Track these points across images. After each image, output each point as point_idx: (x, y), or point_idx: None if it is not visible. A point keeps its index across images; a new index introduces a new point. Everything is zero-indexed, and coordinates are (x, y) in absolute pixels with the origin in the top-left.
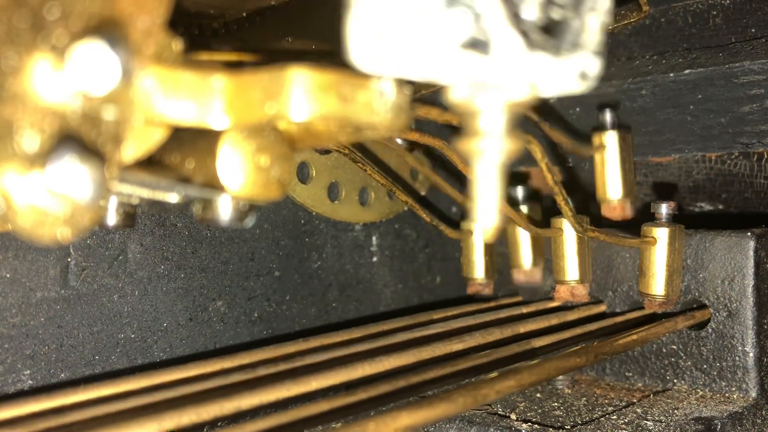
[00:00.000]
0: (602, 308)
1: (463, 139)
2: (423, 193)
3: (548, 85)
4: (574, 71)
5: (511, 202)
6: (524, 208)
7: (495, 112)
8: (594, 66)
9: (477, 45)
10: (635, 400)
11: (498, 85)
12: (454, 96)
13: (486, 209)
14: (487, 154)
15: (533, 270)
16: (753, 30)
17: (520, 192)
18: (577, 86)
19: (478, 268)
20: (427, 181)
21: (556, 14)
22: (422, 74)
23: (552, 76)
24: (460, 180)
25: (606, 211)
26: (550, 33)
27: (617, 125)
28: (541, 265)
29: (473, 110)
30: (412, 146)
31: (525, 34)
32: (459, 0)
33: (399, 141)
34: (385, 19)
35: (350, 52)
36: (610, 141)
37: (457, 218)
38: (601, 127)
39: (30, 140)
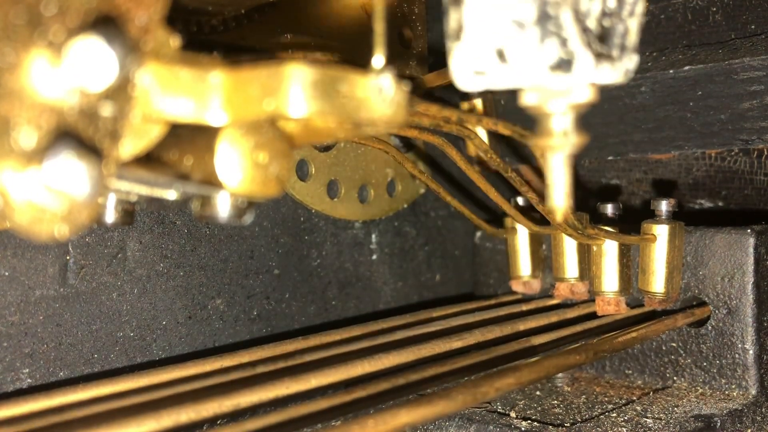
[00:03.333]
0: None
1: (538, 137)
2: (422, 191)
3: (602, 83)
4: (622, 71)
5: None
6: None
7: (563, 114)
8: (634, 62)
9: (562, 65)
10: (635, 398)
11: (565, 92)
12: (526, 101)
13: (559, 193)
14: (559, 149)
15: (532, 281)
16: (753, 26)
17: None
18: (620, 80)
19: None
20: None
21: (607, 22)
22: (513, 87)
23: (608, 79)
24: (452, 182)
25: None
26: (603, 40)
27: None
28: (540, 276)
29: (545, 113)
30: (408, 147)
31: (590, 46)
32: (550, 31)
33: (396, 141)
34: (488, 50)
35: (455, 77)
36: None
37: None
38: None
39: (27, 137)
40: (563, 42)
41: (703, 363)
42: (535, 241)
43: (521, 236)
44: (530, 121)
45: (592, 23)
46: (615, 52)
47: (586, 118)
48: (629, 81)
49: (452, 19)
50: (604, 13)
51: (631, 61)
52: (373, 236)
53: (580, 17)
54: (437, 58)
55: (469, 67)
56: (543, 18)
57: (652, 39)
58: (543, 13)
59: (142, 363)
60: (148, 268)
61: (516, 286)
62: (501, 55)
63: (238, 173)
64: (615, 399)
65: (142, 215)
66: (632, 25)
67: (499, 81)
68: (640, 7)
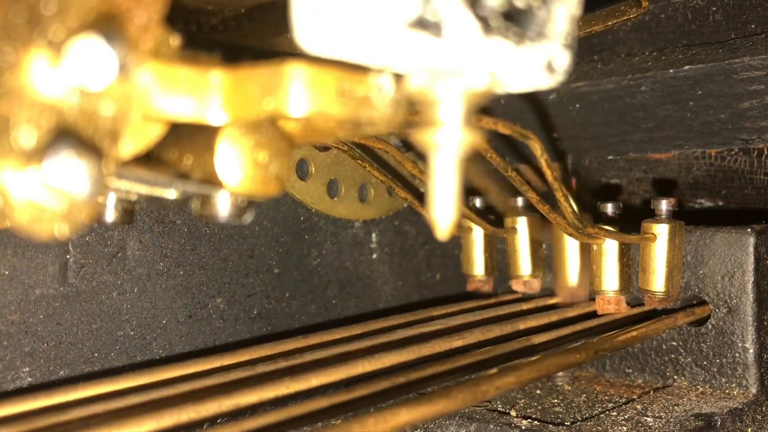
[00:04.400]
0: None
1: (419, 130)
2: (423, 190)
3: (511, 75)
4: (538, 62)
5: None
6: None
7: (453, 102)
8: (563, 58)
9: (427, 25)
10: (635, 397)
11: (456, 73)
12: (412, 83)
13: (443, 205)
14: (445, 146)
15: (532, 280)
16: (753, 26)
17: None
18: (544, 79)
19: (477, 265)
20: None
21: (519, 2)
22: (370, 57)
23: (513, 66)
24: None
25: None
26: (514, 21)
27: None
28: (540, 276)
29: (431, 99)
30: (408, 146)
31: (483, 19)
32: None
33: (396, 141)
34: None
35: (295, 32)
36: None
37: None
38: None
39: (27, 136)
40: None
41: (704, 362)
42: (535, 241)
43: (521, 236)
44: (531, 120)
45: None
46: (528, 35)
47: (587, 118)
48: (629, 81)
49: None
50: None
51: (556, 55)
52: (373, 236)
53: None
54: None
55: (308, 15)
56: None
57: (652, 38)
58: None
59: (143, 362)
60: (148, 267)
61: (516, 286)
62: None
63: (238, 172)
64: (615, 398)
65: (142, 214)
66: (558, 13)
67: (345, 36)
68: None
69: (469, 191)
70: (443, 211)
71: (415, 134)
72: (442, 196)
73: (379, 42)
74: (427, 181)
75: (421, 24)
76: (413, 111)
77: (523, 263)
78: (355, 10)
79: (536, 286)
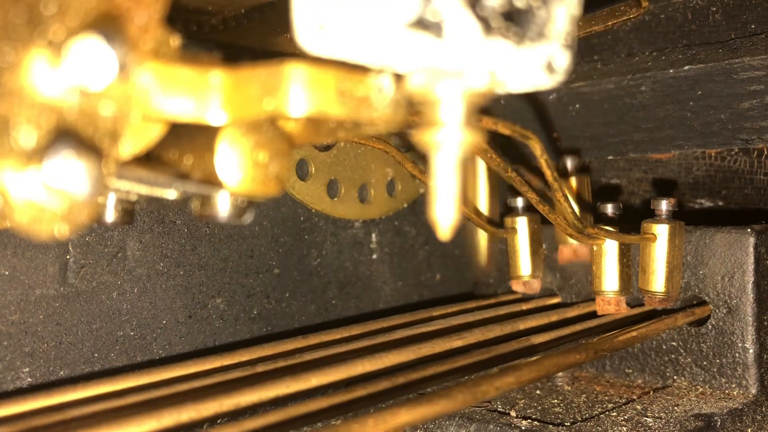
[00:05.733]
0: None
1: (420, 130)
2: (422, 191)
3: (511, 75)
4: (538, 62)
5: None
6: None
7: (454, 102)
8: (563, 59)
9: (427, 26)
10: (635, 397)
11: (457, 73)
12: (412, 83)
13: (444, 205)
14: (445, 146)
15: (532, 281)
16: (753, 26)
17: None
18: (544, 79)
19: (524, 265)
20: None
21: (519, 2)
22: (371, 57)
23: (514, 66)
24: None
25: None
26: (514, 21)
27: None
28: (540, 276)
29: (431, 99)
30: (408, 147)
31: (483, 19)
32: None
33: (396, 141)
34: None
35: (296, 32)
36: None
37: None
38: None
39: (27, 136)
40: None
41: (704, 362)
42: (536, 241)
43: (521, 236)
44: (531, 120)
45: None
46: (528, 35)
47: (587, 118)
48: (629, 81)
49: None
50: None
51: (556, 55)
52: (373, 236)
53: None
54: None
55: (311, 18)
56: None
57: (652, 38)
58: None
59: (143, 362)
60: (148, 267)
61: (516, 286)
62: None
63: (237, 172)
64: (615, 398)
65: (142, 215)
66: (558, 13)
67: (346, 38)
68: None
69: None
70: (444, 210)
71: (416, 134)
72: (443, 196)
73: (379, 43)
74: (428, 181)
75: (422, 24)
76: (413, 111)
77: (523, 263)
78: (356, 12)
79: (536, 286)
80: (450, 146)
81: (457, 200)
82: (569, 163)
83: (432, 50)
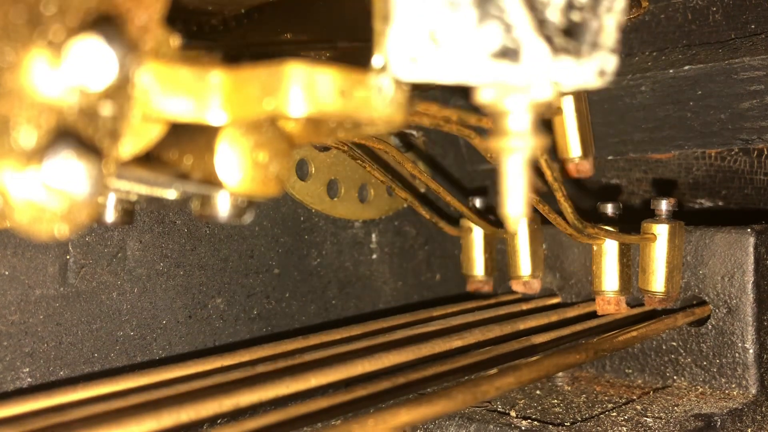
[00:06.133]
0: None
1: (493, 138)
2: (422, 190)
3: (570, 84)
4: (593, 70)
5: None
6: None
7: (521, 113)
8: (611, 63)
9: (507, 54)
10: (635, 397)
11: (524, 88)
12: (482, 98)
13: (515, 201)
14: (516, 151)
15: (532, 281)
16: (753, 26)
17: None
18: (595, 82)
19: (477, 266)
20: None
21: (576, 17)
22: (454, 81)
23: (574, 77)
24: (452, 182)
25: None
26: (571, 35)
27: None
28: (540, 276)
29: (501, 111)
30: (408, 147)
31: (549, 39)
32: (490, 14)
33: (396, 141)
34: (421, 34)
35: (390, 63)
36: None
37: (457, 215)
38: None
39: (27, 136)
40: (507, 28)
41: (703, 362)
42: (536, 241)
43: (521, 236)
44: None
45: (554, 15)
46: (585, 48)
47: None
48: (629, 81)
49: None
50: (572, 6)
51: (606, 61)
52: (373, 236)
53: (534, 5)
54: None
55: (404, 53)
56: None
57: (652, 38)
58: None
59: (143, 362)
60: (148, 267)
61: (516, 286)
62: (433, 37)
63: (237, 173)
64: (615, 398)
65: (142, 215)
66: (608, 23)
67: (435, 68)
68: (620, 4)
69: (468, 192)
70: (515, 205)
71: (489, 142)
72: (513, 194)
73: (464, 72)
74: (500, 181)
75: (503, 53)
76: (414, 112)
77: (523, 264)
78: (445, 48)
79: (536, 286)
80: (520, 151)
81: (526, 198)
82: None
83: (509, 73)
